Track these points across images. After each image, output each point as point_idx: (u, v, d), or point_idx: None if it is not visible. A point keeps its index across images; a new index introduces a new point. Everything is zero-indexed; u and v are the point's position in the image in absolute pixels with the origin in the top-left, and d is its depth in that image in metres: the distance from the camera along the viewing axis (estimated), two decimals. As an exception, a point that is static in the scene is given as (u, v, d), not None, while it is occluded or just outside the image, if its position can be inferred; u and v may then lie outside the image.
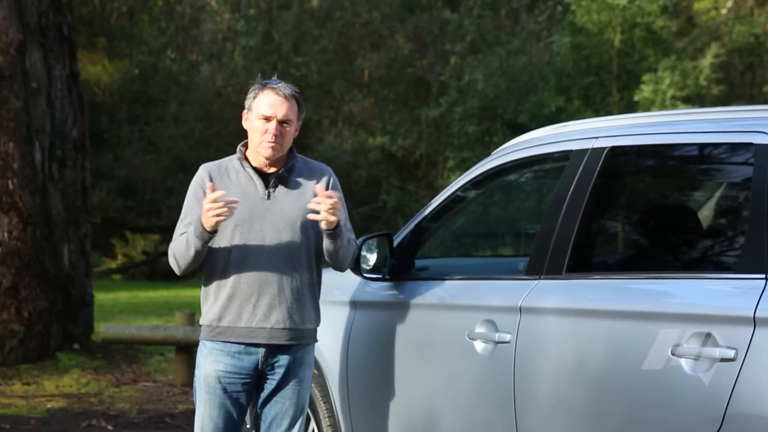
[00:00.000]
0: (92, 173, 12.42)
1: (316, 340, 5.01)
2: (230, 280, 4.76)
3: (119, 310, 15.71)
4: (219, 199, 4.47)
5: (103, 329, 11.05)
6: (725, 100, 24.52)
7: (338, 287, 5.73)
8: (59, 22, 11.19)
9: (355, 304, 5.64)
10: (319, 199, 4.56)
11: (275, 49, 24.75)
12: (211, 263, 4.79)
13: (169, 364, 11.23)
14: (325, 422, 5.74)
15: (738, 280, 4.00)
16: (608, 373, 4.33)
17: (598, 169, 4.74)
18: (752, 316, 3.83)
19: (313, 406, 5.79)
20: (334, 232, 4.66)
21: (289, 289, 4.78)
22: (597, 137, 4.84)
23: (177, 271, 4.86)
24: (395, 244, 5.46)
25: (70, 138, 11.23)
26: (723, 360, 3.87)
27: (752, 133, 4.19)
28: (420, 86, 25.00)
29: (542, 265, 4.76)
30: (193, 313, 10.88)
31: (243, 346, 4.74)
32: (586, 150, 4.83)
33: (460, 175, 5.57)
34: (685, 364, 3.99)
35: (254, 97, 4.79)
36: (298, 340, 4.83)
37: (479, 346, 4.83)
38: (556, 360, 4.52)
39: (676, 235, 4.91)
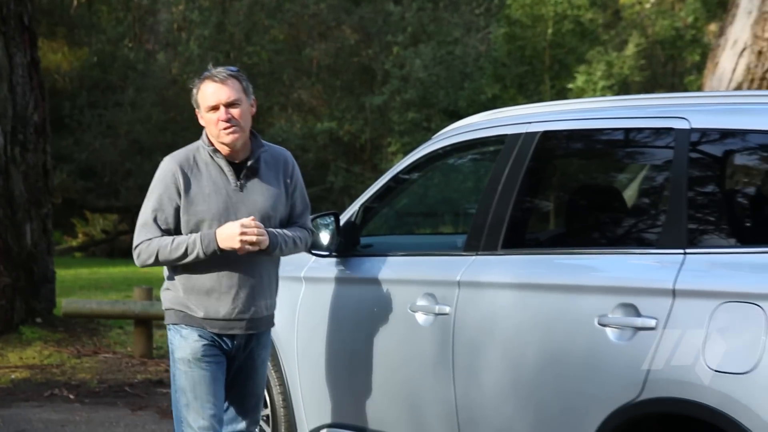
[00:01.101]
0: (53, 156, 12.31)
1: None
2: (209, 275, 4.51)
3: (80, 286, 15.60)
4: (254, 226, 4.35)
5: (65, 304, 11.04)
6: (648, 88, 24.72)
7: (289, 263, 5.72)
8: (20, 12, 11.07)
9: (304, 279, 5.65)
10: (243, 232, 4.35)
11: (228, 39, 24.62)
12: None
13: (128, 337, 11.17)
14: (275, 390, 5.75)
15: (659, 255, 4.06)
16: (539, 342, 4.37)
17: (531, 152, 4.78)
18: (672, 288, 3.89)
19: (264, 372, 5.81)
20: (271, 249, 4.48)
21: (265, 278, 4.64)
22: (530, 122, 4.87)
23: (141, 265, 4.54)
24: (342, 222, 5.47)
25: (31, 122, 11.13)
26: (644, 329, 3.93)
27: (673, 119, 4.24)
28: (365, 75, 24.98)
29: (479, 241, 4.80)
30: (150, 288, 10.86)
31: (221, 336, 4.57)
32: (520, 134, 4.86)
33: (403, 158, 5.59)
34: (610, 333, 4.05)
35: (197, 92, 4.57)
36: (267, 327, 4.77)
37: (420, 317, 4.86)
38: (492, 330, 4.56)
39: (603, 213, 4.96)
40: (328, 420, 5.43)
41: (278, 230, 4.59)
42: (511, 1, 24.84)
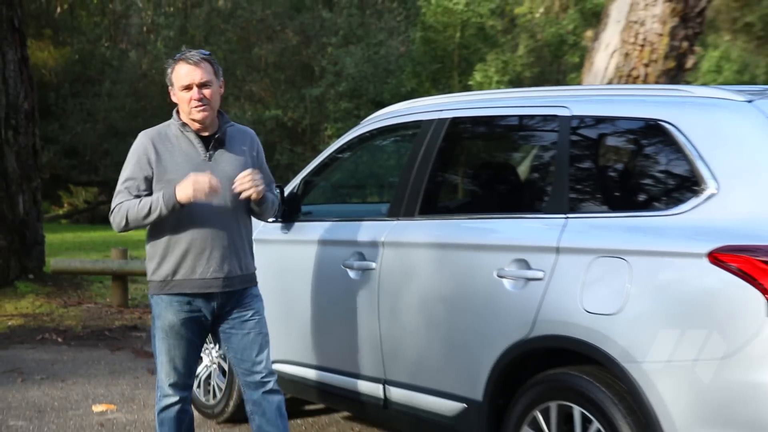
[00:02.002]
0: (41, 138, 12.24)
1: (257, 282, 4.57)
2: (183, 237, 4.21)
3: (66, 248, 15.44)
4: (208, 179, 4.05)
5: (53, 262, 11.00)
6: (537, 82, 24.89)
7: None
8: (11, 16, 11.01)
9: (255, 241, 5.63)
10: (241, 181, 4.17)
11: (189, 40, 24.38)
12: (161, 224, 4.22)
13: (106, 290, 11.12)
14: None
15: (546, 219, 4.10)
16: (449, 290, 4.40)
17: (442, 134, 4.80)
18: (556, 246, 3.94)
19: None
20: (262, 198, 4.30)
21: (237, 240, 4.32)
22: (441, 110, 4.89)
23: (118, 229, 4.28)
24: (286, 193, 5.46)
25: (22, 110, 11.04)
26: (534, 279, 3.98)
27: (557, 107, 4.29)
28: (305, 70, 24.83)
29: (400, 209, 4.82)
30: (125, 249, 10.87)
31: (200, 297, 4.26)
32: (433, 120, 4.88)
33: (337, 140, 5.59)
34: (506, 283, 4.10)
35: (171, 72, 4.29)
36: (247, 284, 4.41)
37: (351, 272, 4.88)
38: (410, 281, 4.58)
39: (501, 185, 5.00)
40: (278, 357, 5.43)
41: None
42: (425, 9, 24.95)
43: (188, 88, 4.21)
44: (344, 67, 23.80)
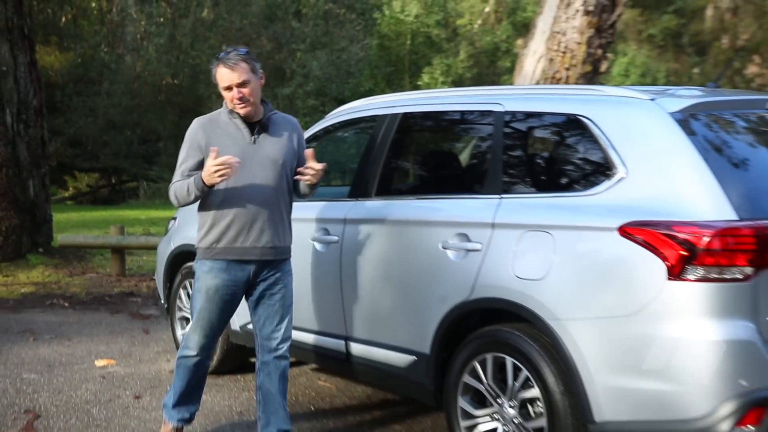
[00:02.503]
0: (48, 131, 12.09)
1: (291, 255, 4.39)
2: (228, 211, 4.09)
3: (71, 225, 15.26)
4: (224, 162, 3.90)
5: (60, 238, 10.88)
6: (476, 83, 24.98)
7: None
8: (21, 24, 10.90)
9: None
10: (312, 170, 4.11)
11: (177, 46, 24.12)
12: (211, 198, 4.13)
13: (106, 262, 11.02)
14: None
15: (483, 199, 4.11)
16: (401, 260, 4.41)
17: (395, 127, 4.80)
18: (492, 222, 3.96)
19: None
20: (314, 185, 4.23)
21: (275, 215, 4.17)
22: (394, 106, 4.89)
23: (175, 205, 4.29)
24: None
25: (32, 106, 10.95)
26: (473, 250, 4.00)
27: (492, 104, 4.30)
28: (277, 72, 24.64)
29: (359, 191, 4.82)
30: (123, 226, 10.82)
31: (238, 263, 4.13)
32: (387, 115, 4.88)
33: (305, 132, 5.56)
34: (450, 253, 4.11)
35: (215, 73, 4.14)
36: (281, 255, 4.24)
37: (318, 245, 4.86)
38: (368, 252, 4.58)
39: (446, 170, 5.01)
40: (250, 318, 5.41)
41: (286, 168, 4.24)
42: (381, 20, 24.97)
43: (229, 88, 4.08)
44: (311, 69, 23.70)
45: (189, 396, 4.37)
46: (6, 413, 5.11)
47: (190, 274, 5.90)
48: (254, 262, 4.16)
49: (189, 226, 6.02)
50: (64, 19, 27.43)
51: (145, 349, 6.75)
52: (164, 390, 5.59)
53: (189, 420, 4.43)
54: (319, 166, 4.16)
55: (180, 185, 4.13)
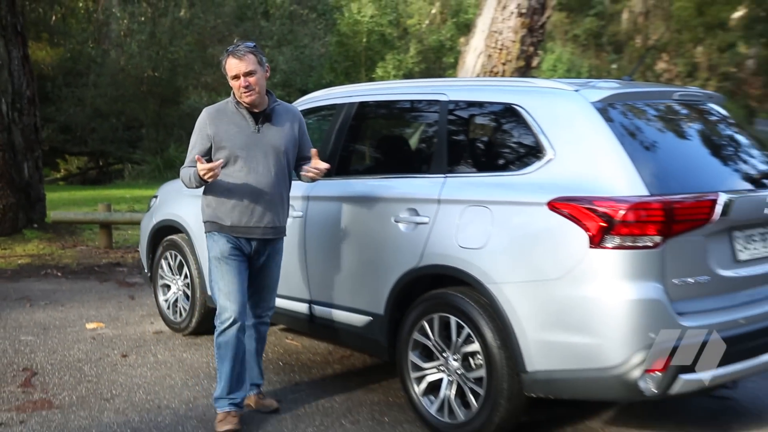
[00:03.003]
0: (41, 118, 11.86)
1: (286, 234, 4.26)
2: (234, 193, 3.97)
3: (63, 203, 14.96)
4: (210, 167, 3.78)
5: (53, 214, 10.73)
6: (424, 76, 24.98)
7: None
8: (14, 22, 10.63)
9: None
10: (316, 170, 4.01)
11: (157, 42, 23.65)
12: (217, 183, 3.97)
13: (95, 236, 10.86)
14: (191, 259, 5.60)
15: (430, 178, 4.11)
16: (359, 232, 4.40)
17: (352, 114, 4.78)
18: (438, 198, 3.97)
19: (184, 253, 5.68)
20: (313, 180, 4.10)
21: (276, 198, 4.04)
22: (352, 96, 4.86)
23: (186, 186, 4.12)
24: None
25: (25, 96, 10.73)
26: (422, 223, 4.01)
27: (438, 94, 4.30)
28: (247, 66, 24.39)
29: (320, 171, 4.80)
30: (109, 204, 10.65)
31: (243, 239, 4.02)
32: (345, 103, 4.85)
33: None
34: (401, 226, 4.12)
35: (224, 64, 3.97)
36: (280, 234, 4.14)
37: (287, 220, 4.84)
38: (329, 226, 4.56)
39: (397, 153, 5.00)
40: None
41: (288, 155, 4.10)
42: (340, 20, 24.86)
43: (236, 77, 3.92)
44: (278, 63, 23.44)
45: (237, 379, 4.10)
46: (6, 371, 5.04)
47: (171, 246, 5.85)
48: (256, 240, 4.05)
49: (168, 204, 5.97)
50: (54, 17, 26.87)
51: (131, 313, 6.68)
52: (149, 349, 5.54)
53: (240, 405, 4.12)
54: (323, 165, 4.06)
55: (185, 172, 4.03)
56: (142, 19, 24.75)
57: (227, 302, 4.01)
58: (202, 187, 4.09)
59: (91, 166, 25.02)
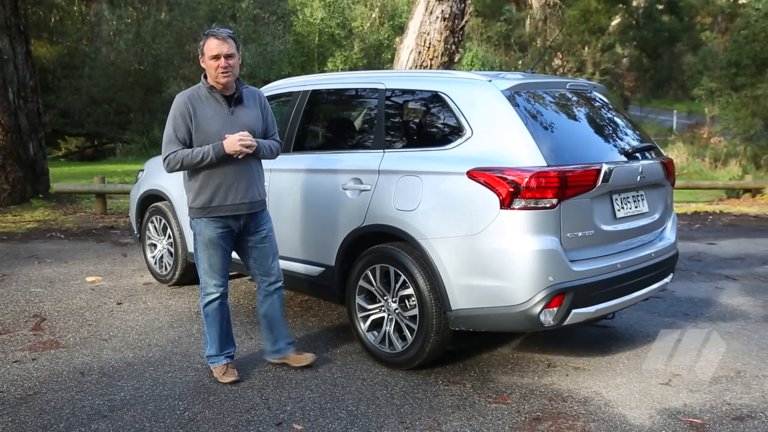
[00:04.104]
0: (43, 105, 11.37)
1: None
2: (216, 175, 3.57)
3: (64, 177, 14.41)
4: (246, 135, 3.48)
5: (56, 186, 10.36)
6: (367, 69, 24.73)
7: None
8: (18, 23, 10.09)
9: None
10: (237, 148, 3.53)
11: (142, 40, 22.77)
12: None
13: (92, 204, 10.53)
14: (173, 223, 5.47)
15: (371, 153, 4.06)
16: (313, 199, 4.34)
17: (306, 100, 4.68)
18: (377, 169, 3.93)
19: (167, 217, 5.54)
20: (256, 150, 3.61)
21: (255, 174, 3.68)
22: (306, 85, 4.75)
23: (170, 171, 3.58)
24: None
25: (29, 86, 10.24)
26: (364, 191, 3.97)
27: (377, 83, 4.24)
28: (219, 61, 23.71)
29: (281, 148, 4.69)
30: (104, 177, 10.34)
31: (231, 218, 3.64)
32: (300, 91, 4.75)
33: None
34: (348, 193, 4.07)
35: (203, 44, 3.55)
36: (262, 207, 3.75)
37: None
38: (289, 194, 4.49)
39: (344, 132, 4.93)
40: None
41: (260, 140, 3.68)
42: (296, 22, 24.44)
43: (216, 57, 3.51)
44: (244, 58, 22.87)
45: (226, 338, 3.81)
46: (19, 317, 4.87)
47: (156, 211, 5.69)
48: (244, 215, 3.68)
49: (153, 176, 5.79)
50: (53, 19, 25.79)
51: (124, 268, 6.50)
52: (140, 298, 5.41)
53: (233, 357, 3.86)
54: (243, 133, 3.59)
55: (187, 153, 3.52)
56: (129, 20, 23.87)
57: (211, 279, 3.69)
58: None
59: (87, 146, 24.14)
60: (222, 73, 3.52)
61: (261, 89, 5.21)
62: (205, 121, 3.56)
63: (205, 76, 3.63)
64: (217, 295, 3.70)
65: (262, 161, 3.82)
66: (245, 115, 3.66)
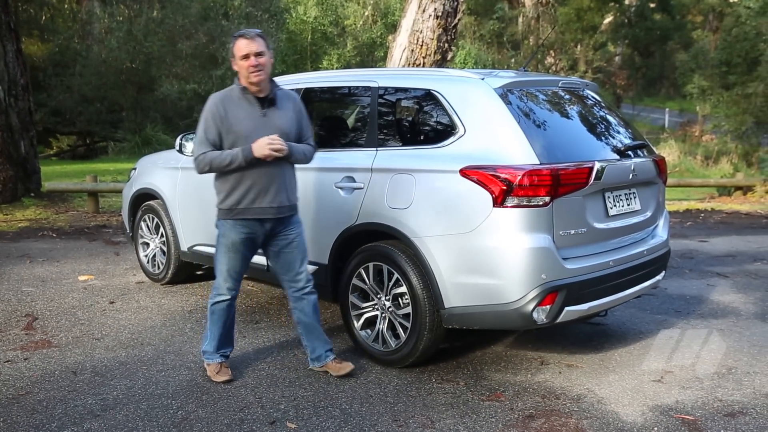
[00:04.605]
0: (34, 103, 11.32)
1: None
2: (247, 177, 3.49)
3: (56, 175, 14.32)
4: (276, 139, 3.41)
5: (47, 185, 10.31)
6: (359, 67, 24.70)
7: (174, 160, 5.44)
8: (8, 21, 10.02)
9: (180, 168, 5.37)
10: (268, 151, 3.45)
11: (134, 38, 22.63)
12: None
13: (84, 202, 10.48)
14: (166, 221, 5.47)
15: (365, 151, 4.06)
16: (306, 197, 4.29)
17: (300, 98, 4.66)
18: (371, 167, 3.93)
19: (160, 216, 5.53)
20: (289, 153, 3.52)
21: (285, 178, 3.58)
22: (299, 83, 4.73)
23: (201, 172, 3.54)
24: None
25: (20, 84, 10.18)
26: (357, 189, 3.97)
27: (370, 81, 4.23)
28: (211, 59, 23.54)
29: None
30: (96, 175, 10.33)
31: (257, 221, 3.57)
32: (294, 89, 4.72)
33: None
34: (341, 191, 4.07)
35: (233, 46, 3.53)
36: (292, 212, 3.66)
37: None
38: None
39: (337, 130, 4.92)
40: (195, 241, 5.25)
41: (293, 144, 3.58)
42: (289, 20, 24.36)
43: (246, 57, 3.46)
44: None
45: (226, 338, 3.78)
46: (11, 316, 4.85)
47: (148, 210, 5.67)
48: (271, 220, 3.59)
49: (146, 174, 5.77)
50: (43, 17, 25.60)
51: (116, 267, 6.48)
52: (132, 297, 5.39)
53: (228, 356, 3.83)
54: (273, 136, 3.53)
55: (217, 156, 3.46)
56: (120, 18, 23.76)
57: (225, 283, 3.65)
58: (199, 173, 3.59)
59: (79, 144, 24.01)
60: (253, 72, 3.46)
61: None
62: (237, 123, 3.48)
63: (239, 78, 3.56)
64: (227, 297, 3.68)
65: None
66: (278, 117, 3.57)
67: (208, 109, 3.52)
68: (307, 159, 3.70)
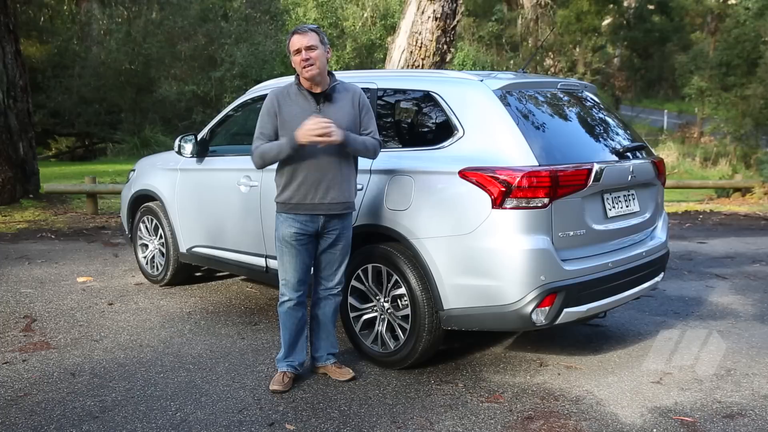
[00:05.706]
0: (33, 105, 11.31)
1: (355, 209, 3.73)
2: (300, 172, 3.45)
3: (54, 177, 14.32)
4: (321, 122, 3.30)
5: (46, 186, 10.32)
6: (359, 69, 24.70)
7: (173, 161, 5.44)
8: (7, 22, 10.01)
9: (179, 170, 5.38)
10: (312, 134, 3.32)
11: (133, 40, 22.67)
12: (286, 162, 3.47)
13: (83, 204, 10.47)
14: (165, 223, 5.47)
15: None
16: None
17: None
18: (369, 169, 3.91)
19: (159, 217, 5.53)
20: (347, 142, 3.41)
21: (339, 174, 3.48)
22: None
23: (258, 167, 3.50)
24: (198, 138, 5.21)
25: (19, 85, 10.16)
26: (357, 190, 3.93)
27: (370, 83, 4.21)
28: (210, 60, 23.56)
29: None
30: (95, 177, 10.30)
31: (309, 216, 3.50)
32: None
33: (230, 104, 5.36)
34: (242, 188, 4.02)
35: (288, 43, 3.48)
36: (345, 210, 3.56)
37: (242, 188, 4.71)
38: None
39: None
40: (194, 243, 5.25)
41: (350, 133, 3.45)
42: (289, 21, 24.39)
43: (298, 51, 3.40)
44: (236, 58, 22.82)
45: (295, 345, 3.70)
46: (9, 318, 4.85)
47: (147, 211, 5.68)
48: (322, 216, 3.52)
49: (145, 176, 5.78)
50: (42, 18, 25.58)
51: (115, 268, 6.47)
52: (131, 298, 5.39)
53: (297, 369, 3.72)
54: (313, 118, 3.41)
55: (267, 147, 3.44)
56: (119, 20, 23.80)
57: (282, 279, 3.60)
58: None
59: (78, 145, 24.01)
60: (304, 66, 3.40)
61: (252, 89, 5.22)
62: (291, 118, 3.45)
63: (297, 75, 3.53)
64: (287, 298, 3.60)
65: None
66: (334, 112, 3.47)
67: (264, 105, 3.52)
68: (369, 151, 3.55)
